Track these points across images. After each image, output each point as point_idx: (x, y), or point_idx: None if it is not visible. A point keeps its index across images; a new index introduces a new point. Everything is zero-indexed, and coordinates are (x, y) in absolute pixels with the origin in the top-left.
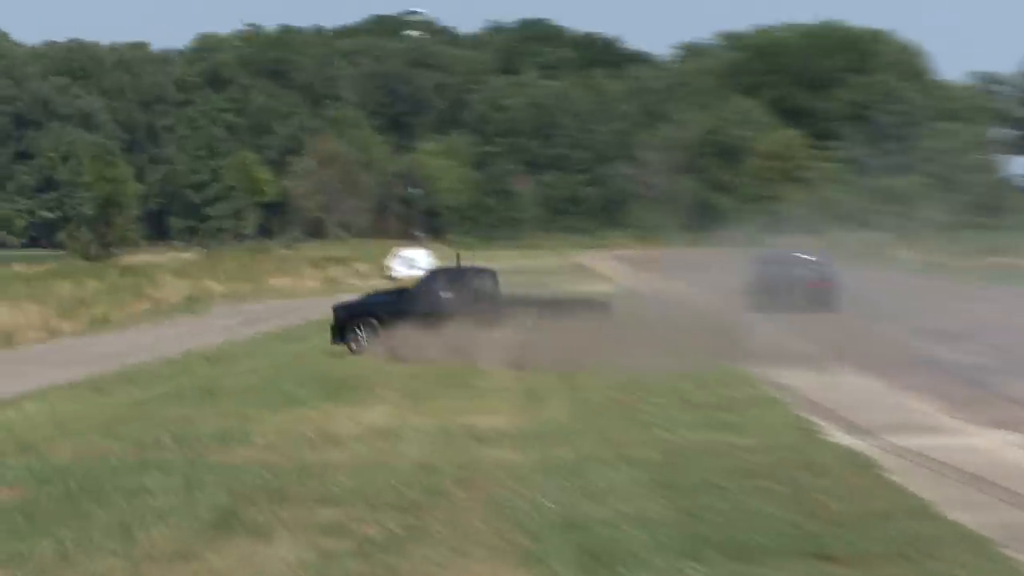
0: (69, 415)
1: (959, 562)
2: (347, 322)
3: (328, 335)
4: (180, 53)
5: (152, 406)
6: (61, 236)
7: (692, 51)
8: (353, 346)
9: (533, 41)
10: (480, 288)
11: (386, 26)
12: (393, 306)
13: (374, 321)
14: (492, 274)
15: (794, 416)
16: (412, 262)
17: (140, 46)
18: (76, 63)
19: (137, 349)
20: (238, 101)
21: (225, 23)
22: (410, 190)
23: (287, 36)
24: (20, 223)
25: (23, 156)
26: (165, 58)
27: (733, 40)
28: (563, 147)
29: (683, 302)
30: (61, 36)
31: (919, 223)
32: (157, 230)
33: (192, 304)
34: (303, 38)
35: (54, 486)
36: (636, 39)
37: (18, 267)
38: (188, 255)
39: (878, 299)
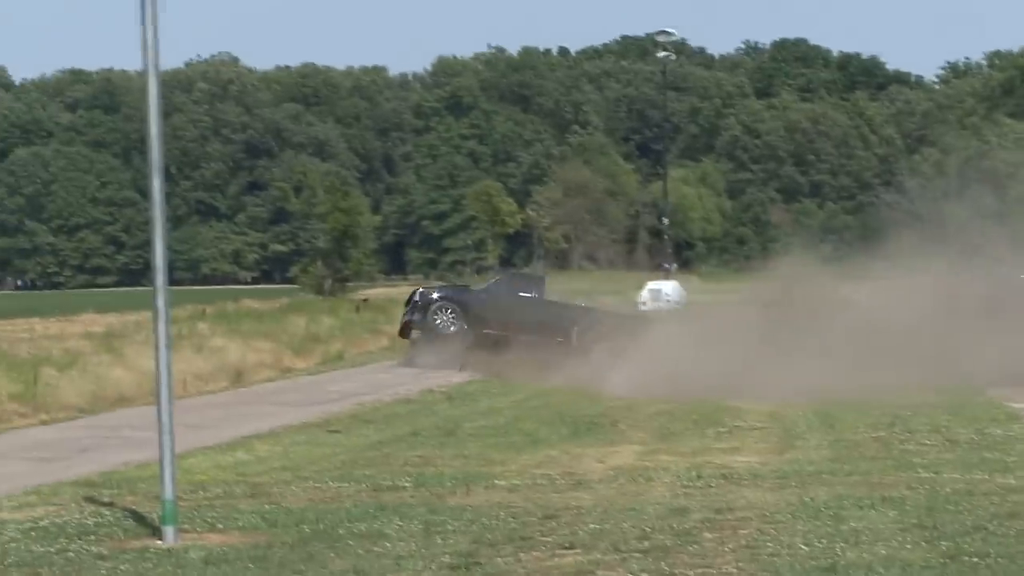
0: (302, 457)
1: None
2: (432, 303)
3: None
4: (419, 78)
5: (389, 447)
6: (294, 270)
7: (958, 71)
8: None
9: (790, 62)
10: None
11: (634, 47)
12: (475, 298)
13: (457, 308)
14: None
15: None
16: (661, 294)
17: (377, 71)
18: (309, 89)
19: (373, 387)
20: (479, 127)
21: (466, 46)
22: (660, 220)
23: (530, 59)
24: (251, 257)
25: (254, 187)
26: (403, 83)
27: (1001, 59)
28: (821, 173)
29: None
30: (294, 61)
31: None
32: (394, 263)
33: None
34: (547, 61)
35: (287, 531)
36: (899, 59)
37: (249, 302)
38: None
39: None
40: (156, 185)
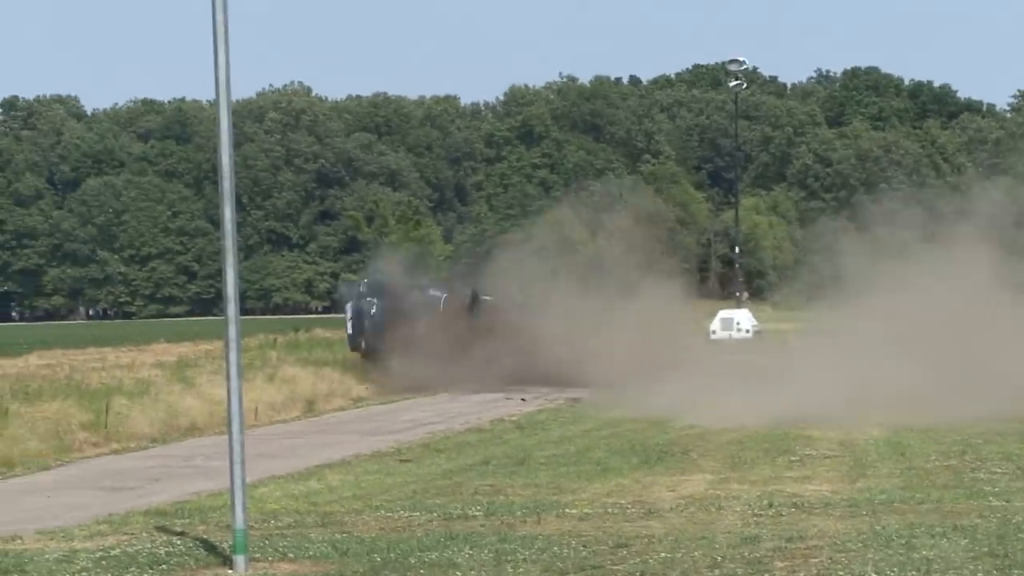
0: (374, 486)
1: None
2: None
3: None
4: (490, 107)
5: (460, 476)
6: None
7: None
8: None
9: (861, 90)
10: None
11: (706, 76)
12: None
13: None
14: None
15: None
16: (733, 323)
17: (449, 100)
18: (381, 118)
19: (444, 416)
20: (551, 156)
21: (538, 75)
22: (732, 248)
23: (602, 87)
24: (322, 286)
25: (325, 216)
26: (475, 112)
27: None
28: (895, 202)
29: None
30: (366, 90)
31: None
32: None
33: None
34: (619, 89)
35: (359, 560)
36: (970, 87)
37: (320, 331)
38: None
39: None
40: (227, 214)
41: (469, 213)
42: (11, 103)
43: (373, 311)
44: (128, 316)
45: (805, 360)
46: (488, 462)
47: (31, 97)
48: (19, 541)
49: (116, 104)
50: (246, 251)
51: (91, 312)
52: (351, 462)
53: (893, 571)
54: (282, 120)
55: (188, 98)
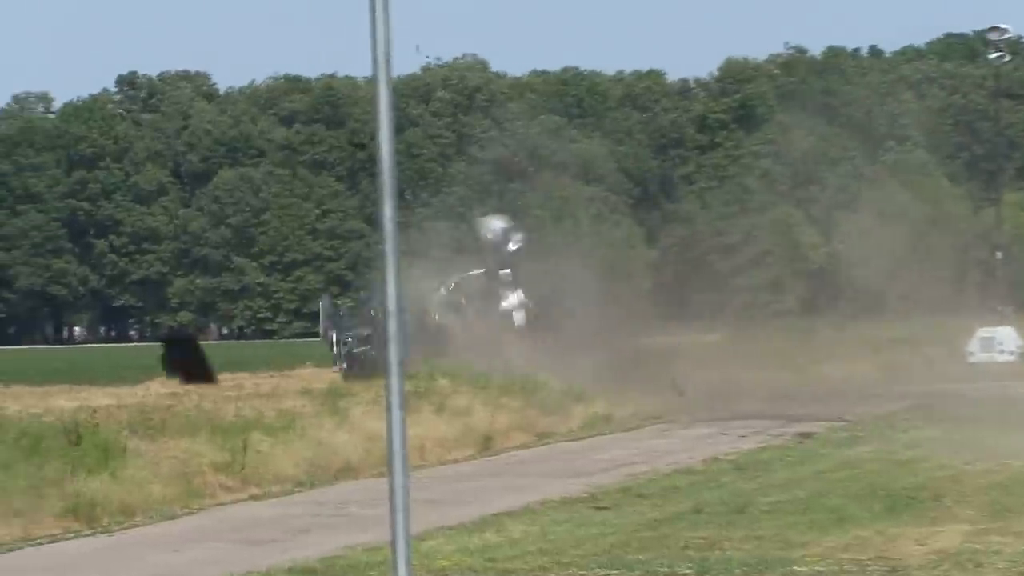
0: (564, 539)
1: None
2: None
3: None
4: (703, 84)
5: (667, 527)
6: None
7: None
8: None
9: None
10: None
11: (961, 47)
12: None
13: None
14: None
15: None
16: (994, 343)
17: (653, 76)
18: (572, 98)
19: (649, 455)
20: (775, 143)
21: (759, 46)
22: (993, 253)
23: (837, 61)
24: None
25: (505, 213)
26: (684, 90)
27: None
28: None
29: None
30: (553, 65)
31: None
32: (673, 306)
33: (714, 398)
34: (857, 63)
35: None
36: None
37: None
38: (712, 337)
39: None
40: (388, 213)
41: (677, 211)
42: (129, 80)
43: (349, 339)
44: (268, 335)
45: None
46: (700, 510)
47: (153, 74)
48: None
49: (254, 82)
50: (410, 256)
51: (224, 330)
52: (536, 510)
53: None
54: (453, 100)
55: (339, 74)
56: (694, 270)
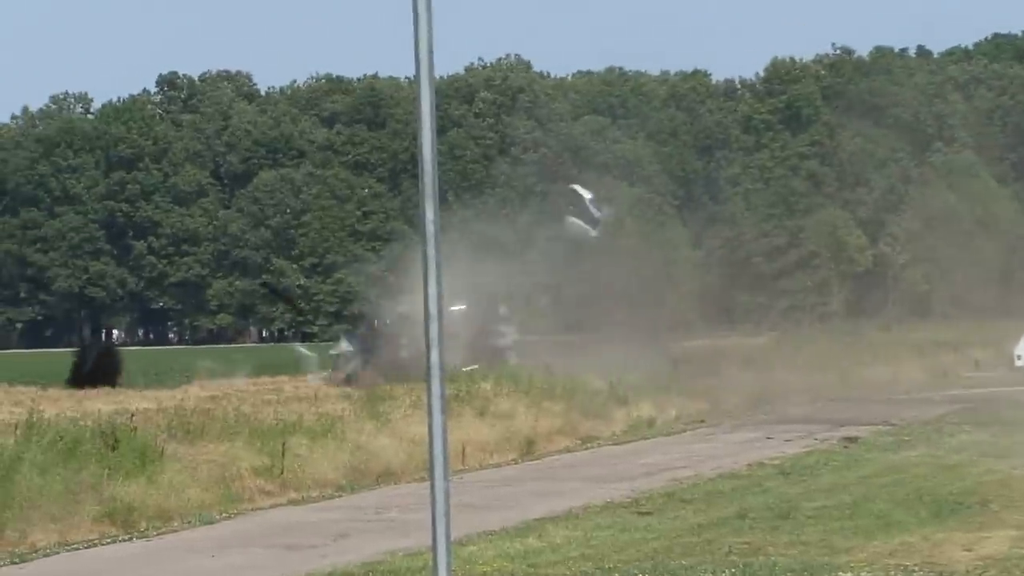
0: (606, 544)
1: None
2: None
3: None
4: (748, 84)
5: (711, 532)
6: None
7: None
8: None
9: None
10: None
11: (1009, 47)
12: None
13: None
14: None
15: None
16: None
17: (698, 76)
18: (616, 98)
19: (693, 459)
20: (822, 144)
21: (805, 46)
22: None
23: (884, 61)
24: None
25: (548, 216)
26: (729, 91)
27: None
28: None
29: None
30: (597, 65)
31: None
32: (718, 308)
33: (758, 401)
34: (904, 63)
35: None
36: None
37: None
38: (757, 340)
39: None
40: (429, 215)
41: (722, 213)
42: (170, 81)
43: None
44: (308, 338)
45: None
46: (745, 515)
47: (194, 74)
48: None
49: (295, 82)
50: (451, 258)
51: (264, 333)
52: (579, 515)
53: None
54: (496, 101)
55: (381, 75)
56: (739, 272)
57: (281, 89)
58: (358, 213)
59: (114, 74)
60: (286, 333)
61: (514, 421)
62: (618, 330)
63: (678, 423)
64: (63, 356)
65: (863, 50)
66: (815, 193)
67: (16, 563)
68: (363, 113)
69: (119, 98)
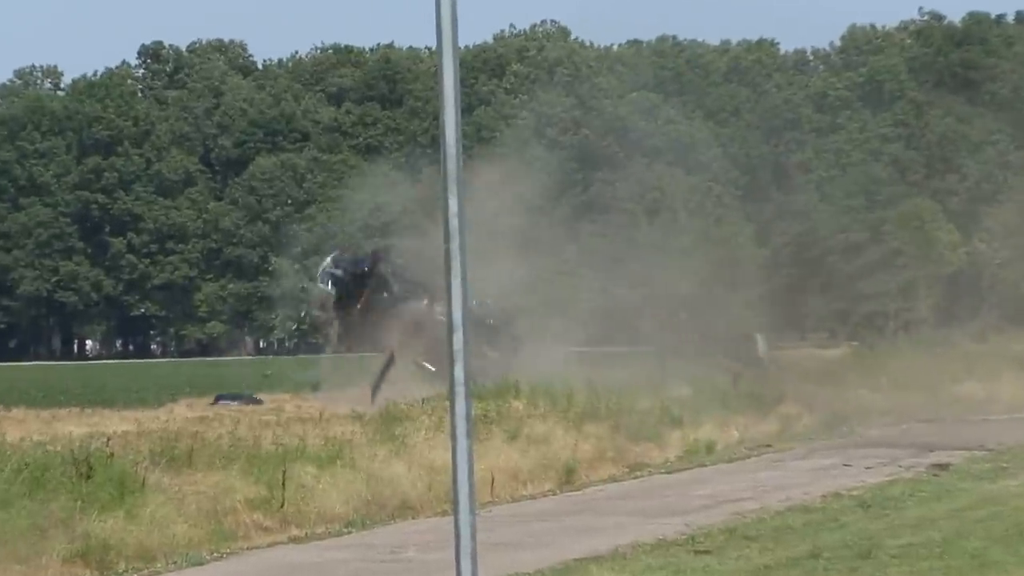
0: None
1: None
2: None
3: None
4: (822, 56)
5: (779, 574)
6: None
7: None
8: None
9: None
10: None
11: None
12: None
13: None
14: None
15: None
16: None
17: (763, 46)
18: (669, 72)
19: (757, 489)
20: (908, 125)
21: (889, 12)
22: None
23: (978, 29)
24: None
25: (591, 208)
26: (800, 63)
27: None
28: None
29: None
30: (646, 34)
31: None
32: (787, 315)
33: (834, 422)
34: (1001, 31)
35: None
36: None
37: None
38: (833, 352)
39: None
40: (452, 207)
41: (792, 204)
42: (152, 52)
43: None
44: (315, 349)
45: None
46: (819, 555)
47: (181, 45)
48: None
49: (297, 54)
50: (478, 255)
51: (262, 343)
52: (626, 554)
53: None
54: (529, 75)
55: (397, 44)
56: (812, 274)
57: (281, 61)
58: (372, 203)
59: (88, 45)
60: (286, 344)
61: (551, 446)
62: (672, 341)
63: (741, 447)
64: (30, 371)
65: (955, 16)
66: (899, 181)
67: None
68: (376, 89)
69: (94, 72)
